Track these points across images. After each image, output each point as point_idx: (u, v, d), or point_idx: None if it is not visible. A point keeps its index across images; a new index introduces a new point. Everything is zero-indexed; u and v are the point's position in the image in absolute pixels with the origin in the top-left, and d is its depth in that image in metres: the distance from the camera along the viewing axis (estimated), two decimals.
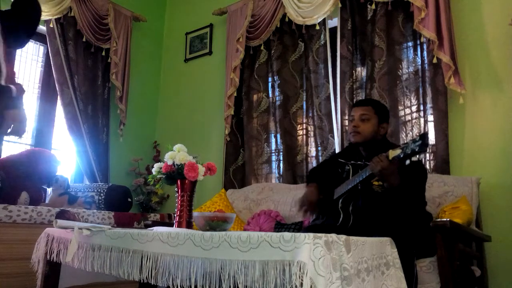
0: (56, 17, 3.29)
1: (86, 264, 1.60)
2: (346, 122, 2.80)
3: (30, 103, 3.39)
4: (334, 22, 3.03)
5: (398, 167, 1.69)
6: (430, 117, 2.52)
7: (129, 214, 3.14)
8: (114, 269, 1.49)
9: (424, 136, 1.54)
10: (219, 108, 3.57)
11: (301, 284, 0.99)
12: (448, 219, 1.60)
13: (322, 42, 3.07)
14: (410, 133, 2.60)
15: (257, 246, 1.09)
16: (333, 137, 2.88)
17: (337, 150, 2.79)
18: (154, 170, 1.89)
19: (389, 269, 1.32)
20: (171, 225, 2.26)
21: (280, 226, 2.53)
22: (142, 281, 1.38)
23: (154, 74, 4.23)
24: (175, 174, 1.83)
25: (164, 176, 1.86)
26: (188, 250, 1.25)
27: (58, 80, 3.34)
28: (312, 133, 3.09)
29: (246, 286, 1.09)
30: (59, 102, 3.40)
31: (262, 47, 3.38)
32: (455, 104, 2.44)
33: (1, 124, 1.59)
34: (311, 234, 1.02)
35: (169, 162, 1.83)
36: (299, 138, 3.18)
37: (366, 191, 1.86)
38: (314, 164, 3.02)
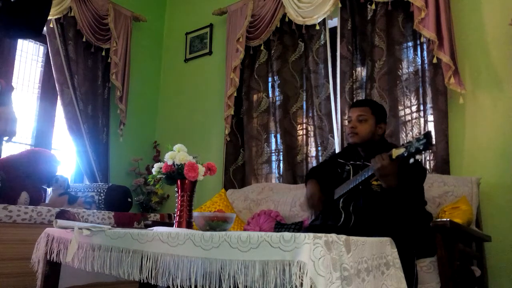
0: (56, 17, 3.29)
1: (86, 264, 1.60)
2: (346, 122, 2.80)
3: (30, 103, 3.39)
4: (334, 22, 3.03)
5: (398, 167, 1.69)
6: (430, 117, 2.52)
7: (129, 214, 3.14)
8: (114, 269, 1.49)
9: (428, 135, 1.54)
10: (219, 108, 3.57)
11: (301, 284, 0.99)
12: (448, 219, 1.60)
13: (322, 42, 3.07)
14: (410, 133, 2.60)
15: (257, 246, 1.09)
16: (333, 137, 2.88)
17: (337, 150, 2.79)
18: (154, 170, 1.89)
19: (389, 269, 1.32)
20: (171, 225, 2.26)
21: (280, 226, 2.53)
22: (142, 281, 1.38)
23: (154, 74, 4.24)
24: (175, 174, 1.83)
25: (164, 176, 1.86)
26: (188, 250, 1.25)
27: (58, 80, 3.34)
28: (312, 133, 3.09)
29: (246, 286, 1.09)
30: (59, 102, 3.40)
31: (262, 47, 3.38)
32: (455, 104, 2.44)
33: None
34: (311, 234, 1.02)
35: (169, 162, 1.83)
36: (299, 138, 3.18)
37: (367, 191, 1.87)
38: (314, 164, 3.02)
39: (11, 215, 2.38)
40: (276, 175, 3.24)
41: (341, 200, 1.92)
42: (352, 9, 2.90)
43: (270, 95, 3.34)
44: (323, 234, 1.05)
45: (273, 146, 3.29)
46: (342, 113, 2.82)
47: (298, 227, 2.45)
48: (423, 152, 1.58)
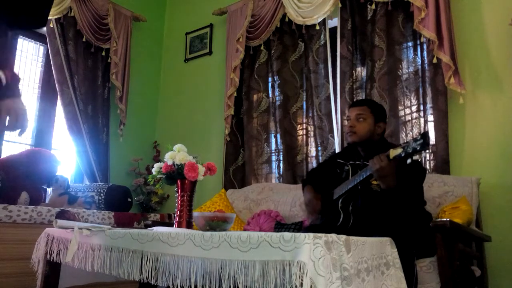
0: (56, 17, 3.29)
1: (86, 264, 1.60)
2: (346, 122, 2.80)
3: (30, 103, 3.39)
4: (334, 22, 3.03)
5: (396, 167, 1.69)
6: (430, 117, 2.52)
7: (129, 214, 3.14)
8: (114, 269, 1.49)
9: (425, 135, 1.54)
10: (219, 108, 3.57)
11: (301, 284, 0.99)
12: (448, 219, 1.60)
13: (322, 42, 3.07)
14: (410, 133, 2.60)
15: (257, 246, 1.09)
16: (333, 137, 2.88)
17: (337, 150, 2.79)
18: (154, 170, 1.89)
19: (389, 269, 1.32)
20: (171, 225, 2.26)
21: (280, 226, 2.53)
22: (142, 281, 1.38)
23: (154, 74, 4.24)
24: (175, 174, 1.83)
25: (164, 176, 1.86)
26: (188, 250, 1.25)
27: (58, 80, 3.34)
28: (312, 133, 3.09)
29: (246, 286, 1.09)
30: (59, 102, 3.40)
31: (262, 47, 3.38)
32: (455, 104, 2.44)
33: None
34: (311, 234, 1.02)
35: (169, 162, 1.83)
36: (299, 138, 3.18)
37: (366, 191, 1.87)
38: (314, 164, 3.02)
39: (11, 215, 2.38)
40: (276, 175, 3.24)
41: (340, 200, 1.92)
42: (352, 9, 2.90)
43: (270, 95, 3.34)
44: (323, 234, 1.05)
45: (273, 146, 3.29)
46: (342, 113, 2.82)
47: (298, 227, 2.45)
48: (420, 152, 1.58)
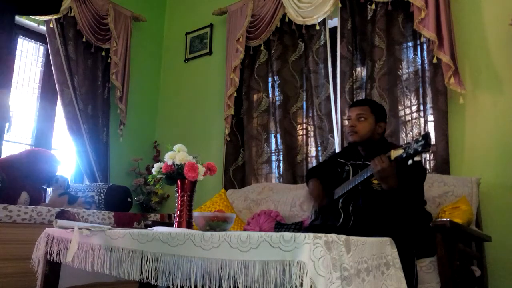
0: (56, 17, 3.29)
1: (86, 264, 1.60)
2: (346, 122, 2.80)
3: (30, 103, 3.39)
4: (334, 22, 3.03)
5: (397, 167, 1.70)
6: (430, 117, 2.52)
7: (129, 214, 3.14)
8: (114, 269, 1.49)
9: (426, 136, 1.54)
10: (219, 108, 3.57)
11: (301, 284, 0.99)
12: (448, 219, 1.60)
13: (322, 42, 3.07)
14: (410, 133, 2.60)
15: (257, 246, 1.09)
16: (333, 137, 2.88)
17: (337, 150, 2.79)
18: (154, 170, 1.89)
19: (389, 269, 1.32)
20: (171, 225, 2.26)
21: (280, 226, 2.53)
22: (142, 281, 1.38)
23: (154, 74, 4.24)
24: (175, 174, 1.83)
25: (164, 176, 1.86)
26: (188, 250, 1.25)
27: (58, 80, 3.34)
28: (312, 133, 3.09)
29: (246, 286, 1.09)
30: (59, 102, 3.40)
31: (262, 47, 3.38)
32: (455, 104, 2.44)
33: None
34: (311, 234, 1.02)
35: (169, 162, 1.83)
36: (299, 138, 3.18)
37: (366, 191, 1.87)
38: (314, 164, 3.02)
39: (11, 215, 2.38)
40: (276, 175, 3.24)
41: (341, 200, 1.92)
42: (352, 9, 2.90)
43: (270, 95, 3.34)
44: (323, 234, 1.05)
45: (273, 146, 3.29)
46: (342, 113, 2.82)
47: (298, 227, 2.45)
48: (421, 153, 1.58)
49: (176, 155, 1.82)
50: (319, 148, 3.00)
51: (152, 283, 1.34)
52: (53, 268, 1.85)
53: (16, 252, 2.33)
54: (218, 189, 3.28)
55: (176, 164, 1.81)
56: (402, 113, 2.65)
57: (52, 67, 3.34)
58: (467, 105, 2.43)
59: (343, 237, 1.11)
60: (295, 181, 3.07)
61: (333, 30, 3.06)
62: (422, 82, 2.60)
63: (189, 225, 1.82)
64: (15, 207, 2.42)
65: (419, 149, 1.55)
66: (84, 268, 1.61)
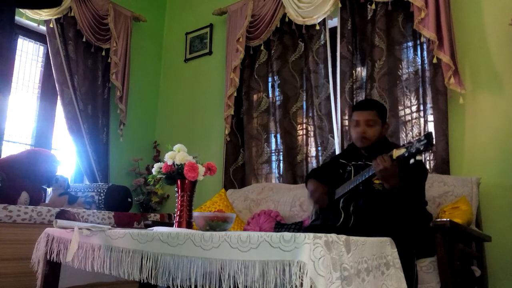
0: (56, 17, 3.29)
1: (86, 264, 1.60)
2: (346, 122, 2.81)
3: (30, 103, 3.39)
4: (334, 22, 3.03)
5: (399, 167, 1.70)
6: (430, 117, 2.52)
7: (129, 214, 3.14)
8: (114, 269, 1.49)
9: (429, 136, 1.54)
10: (219, 108, 3.57)
11: (301, 284, 0.99)
12: (448, 219, 1.60)
13: (322, 42, 3.07)
14: (410, 133, 2.60)
15: (257, 246, 1.09)
16: (333, 137, 2.88)
17: (337, 150, 2.79)
18: (154, 170, 1.89)
19: (389, 269, 1.32)
20: (171, 225, 2.26)
21: (280, 226, 2.53)
22: (142, 281, 1.38)
23: (154, 74, 4.24)
24: (175, 174, 1.83)
25: (164, 176, 1.86)
26: (188, 250, 1.25)
27: (58, 80, 3.34)
28: (312, 133, 3.09)
29: (246, 286, 1.09)
30: (59, 102, 3.40)
31: (262, 47, 3.38)
32: (455, 104, 2.44)
33: None
34: (311, 234, 1.02)
35: (169, 162, 1.83)
36: (299, 138, 3.18)
37: (367, 191, 1.87)
38: (314, 164, 3.02)
39: (11, 215, 2.38)
40: (276, 175, 3.24)
41: (342, 200, 1.92)
42: (352, 9, 2.90)
43: (270, 95, 3.34)
44: (323, 234, 1.05)
45: (273, 146, 3.29)
46: (342, 113, 2.82)
47: (298, 227, 2.45)
48: (423, 152, 1.58)
49: (176, 155, 1.82)
50: (319, 148, 3.00)
51: (152, 283, 1.34)
52: (53, 268, 1.85)
53: (16, 252, 2.33)
54: (218, 189, 3.28)
55: (176, 164, 1.81)
56: (402, 113, 2.65)
57: (52, 67, 3.34)
58: (467, 105, 2.43)
59: (343, 237, 1.11)
60: (295, 181, 3.07)
61: (333, 30, 3.05)
62: (422, 82, 2.60)
63: (189, 225, 1.82)
64: (15, 207, 2.42)
65: (421, 148, 1.55)
66: (84, 268, 1.61)
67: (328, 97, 2.97)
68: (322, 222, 1.99)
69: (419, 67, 2.63)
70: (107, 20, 3.63)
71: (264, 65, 3.39)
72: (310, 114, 3.12)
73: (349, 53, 2.85)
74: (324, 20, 3.03)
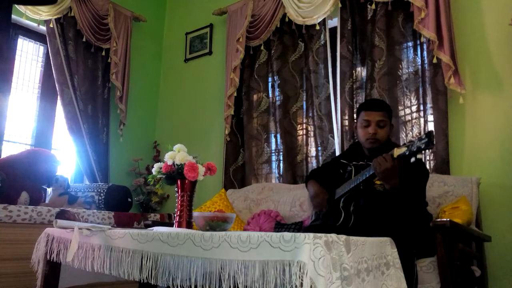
0: (56, 17, 3.29)
1: (86, 264, 1.60)
2: (346, 122, 2.80)
3: (30, 103, 3.39)
4: (334, 22, 3.03)
5: (400, 167, 1.69)
6: (430, 117, 2.52)
7: (129, 214, 3.14)
8: (114, 269, 1.49)
9: (430, 134, 1.54)
10: (219, 108, 3.57)
11: (301, 284, 0.99)
12: (448, 219, 1.60)
13: (322, 42, 3.07)
14: (410, 133, 2.60)
15: (257, 246, 1.09)
16: (333, 137, 2.88)
17: (337, 150, 2.79)
18: (154, 170, 1.89)
19: (389, 269, 1.32)
20: (171, 225, 2.26)
21: (280, 226, 2.53)
22: (142, 281, 1.38)
23: (154, 74, 4.24)
24: (175, 174, 1.83)
25: (164, 176, 1.86)
26: (188, 250, 1.25)
27: (58, 80, 3.34)
28: (312, 133, 3.09)
29: (246, 286, 1.09)
30: (59, 102, 3.40)
31: (262, 47, 3.38)
32: (455, 104, 2.44)
33: None
34: (311, 234, 1.02)
35: (169, 162, 1.83)
36: (299, 138, 3.18)
37: (368, 190, 1.86)
38: (314, 164, 3.02)
39: (11, 215, 2.38)
40: (276, 175, 3.24)
41: (342, 200, 1.92)
42: (352, 9, 2.90)
43: (270, 95, 3.34)
44: (323, 234, 1.05)
45: (273, 146, 3.29)
46: (342, 113, 2.82)
47: (298, 227, 2.45)
48: (424, 150, 1.58)
49: (176, 155, 1.82)
50: (319, 148, 3.00)
51: (152, 283, 1.34)
52: (53, 268, 1.85)
53: (16, 252, 2.33)
54: (218, 189, 3.28)
55: (176, 164, 1.81)
56: (402, 113, 2.65)
57: (52, 67, 3.34)
58: (467, 105, 2.43)
59: (343, 237, 1.11)
60: (295, 181, 3.07)
61: (333, 30, 3.05)
62: (422, 82, 2.60)
63: (189, 225, 1.82)
64: (15, 207, 2.42)
65: (422, 147, 1.55)
66: (84, 268, 1.61)
67: (328, 97, 2.97)
68: (322, 222, 1.99)
69: (419, 67, 2.63)
70: (107, 20, 3.63)
71: (264, 65, 3.39)
72: (310, 114, 3.12)
73: (349, 53, 2.85)
74: (324, 20, 3.03)
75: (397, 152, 1.66)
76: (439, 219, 1.66)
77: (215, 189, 3.33)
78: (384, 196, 1.80)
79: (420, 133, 2.56)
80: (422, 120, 2.57)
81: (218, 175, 3.37)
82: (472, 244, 2.04)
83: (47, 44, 3.34)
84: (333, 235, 1.08)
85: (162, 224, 2.72)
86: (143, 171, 3.78)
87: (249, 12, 3.38)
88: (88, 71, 3.59)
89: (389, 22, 2.73)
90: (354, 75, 2.85)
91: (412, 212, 1.76)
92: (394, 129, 2.61)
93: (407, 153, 1.61)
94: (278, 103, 3.27)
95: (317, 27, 3.05)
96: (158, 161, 3.43)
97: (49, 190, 2.99)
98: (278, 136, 3.22)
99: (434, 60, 2.44)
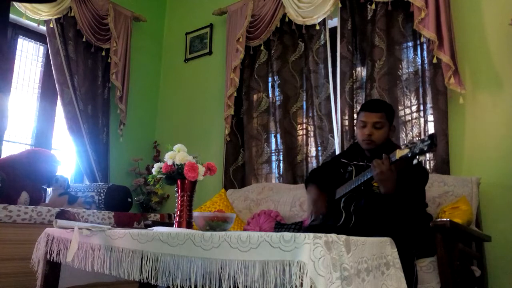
0: (56, 17, 3.29)
1: (86, 264, 1.60)
2: (346, 122, 2.80)
3: (30, 103, 3.39)
4: (334, 22, 3.03)
5: (399, 169, 1.69)
6: (430, 117, 2.52)
7: (129, 214, 3.14)
8: (114, 269, 1.49)
9: (432, 136, 1.54)
10: (219, 108, 3.57)
11: (301, 284, 0.99)
12: (448, 219, 1.60)
13: (322, 42, 3.07)
14: (410, 133, 2.60)
15: (257, 246, 1.09)
16: (333, 137, 2.88)
17: (337, 150, 2.79)
18: (154, 170, 1.89)
19: (389, 269, 1.32)
20: (171, 225, 2.26)
21: (280, 226, 2.53)
22: (142, 281, 1.38)
23: (154, 74, 4.24)
24: (175, 174, 1.83)
25: (164, 176, 1.86)
26: (188, 250, 1.25)
27: (58, 80, 3.34)
28: (312, 133, 3.09)
29: (246, 286, 1.09)
30: (59, 102, 3.40)
31: (262, 47, 3.38)
32: (455, 104, 2.44)
33: None
34: (311, 234, 1.02)
35: (169, 162, 1.83)
36: (299, 138, 3.18)
37: (369, 191, 1.86)
38: (314, 164, 3.02)
39: (11, 215, 2.38)
40: (276, 175, 3.24)
41: (342, 200, 1.92)
42: (352, 9, 2.90)
43: (270, 95, 3.34)
44: (323, 234, 1.05)
45: (273, 146, 3.29)
46: (342, 113, 2.82)
47: (298, 227, 2.45)
48: (426, 153, 1.57)
49: (176, 155, 1.82)
50: (319, 148, 3.00)
51: (152, 283, 1.34)
52: (53, 268, 1.85)
53: (16, 252, 2.33)
54: (218, 189, 3.28)
55: (176, 164, 1.81)
56: (402, 113, 2.65)
57: (52, 67, 3.34)
58: (467, 105, 2.43)
59: (343, 237, 1.11)
60: (295, 181, 3.07)
61: (333, 30, 3.05)
62: (422, 82, 2.60)
63: (189, 225, 1.82)
64: (15, 207, 2.42)
65: (425, 149, 1.54)
66: (84, 268, 1.61)
67: (328, 97, 2.97)
68: (322, 222, 1.99)
69: (419, 67, 2.63)
70: (107, 20, 3.63)
71: (264, 65, 3.39)
72: (310, 114, 3.12)
73: (349, 53, 2.85)
74: (324, 20, 3.03)
75: (399, 154, 1.64)
76: (439, 219, 1.66)
77: (215, 189, 3.33)
78: (381, 199, 1.80)
79: (420, 133, 2.56)
80: (422, 120, 2.57)
81: (218, 175, 3.37)
82: (472, 244, 2.04)
83: (47, 44, 3.34)
84: (333, 235, 1.08)
85: (162, 224, 2.73)
86: (143, 171, 3.78)
87: (249, 12, 3.38)
88: (88, 71, 3.59)
89: (389, 22, 2.73)
90: (354, 75, 2.85)
91: (408, 215, 1.75)
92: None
93: (409, 155, 1.60)
94: (278, 103, 3.27)
95: (317, 27, 3.05)
96: (158, 161, 3.43)
97: (49, 190, 2.99)
98: (278, 136, 3.22)
99: (434, 60, 2.44)
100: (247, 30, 3.38)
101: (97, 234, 1.61)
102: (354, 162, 2.00)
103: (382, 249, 1.34)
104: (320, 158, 2.98)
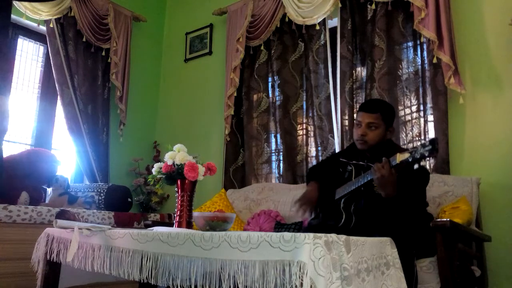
0: (56, 17, 3.29)
1: (86, 264, 1.60)
2: (346, 122, 2.80)
3: (30, 103, 3.39)
4: (334, 22, 3.03)
5: (400, 172, 1.68)
6: (430, 117, 2.52)
7: (129, 214, 3.14)
8: (114, 269, 1.49)
9: (434, 142, 1.52)
10: (219, 108, 3.57)
11: (301, 284, 0.99)
12: (448, 219, 1.60)
13: (322, 42, 3.07)
14: (410, 133, 2.60)
15: (257, 246, 1.09)
16: (333, 137, 2.88)
17: (337, 150, 2.79)
18: (154, 170, 1.89)
19: (389, 269, 1.32)
20: (171, 225, 2.26)
21: (280, 226, 2.53)
22: (142, 281, 1.38)
23: (154, 74, 4.24)
24: (175, 174, 1.83)
25: (164, 176, 1.86)
26: (188, 250, 1.25)
27: (58, 80, 3.34)
28: (312, 133, 3.09)
29: (246, 286, 1.09)
30: (59, 102, 3.40)
31: (262, 47, 3.38)
32: (455, 104, 2.44)
33: None
34: (311, 234, 1.02)
35: (169, 162, 1.83)
36: (299, 138, 3.18)
37: (369, 192, 1.86)
38: (314, 164, 3.02)
39: (11, 215, 2.38)
40: (276, 175, 3.24)
41: (342, 200, 1.91)
42: (352, 9, 2.90)
43: (270, 95, 3.34)
44: (323, 234, 1.05)
45: (273, 146, 3.29)
46: (342, 113, 2.82)
47: (298, 227, 2.45)
48: (427, 158, 1.56)
49: (176, 155, 1.83)
50: (319, 148, 3.00)
51: (152, 283, 1.34)
52: (53, 268, 1.85)
53: (16, 252, 2.33)
54: (218, 189, 3.28)
55: (176, 164, 1.81)
56: (402, 113, 2.65)
57: (52, 67, 3.34)
58: (467, 105, 2.43)
59: (343, 237, 1.11)
60: (295, 181, 3.07)
61: (333, 30, 3.05)
62: (422, 82, 2.60)
63: (189, 225, 1.82)
64: (15, 207, 2.42)
65: (426, 154, 1.53)
66: (84, 268, 1.62)
67: (328, 97, 2.97)
68: (322, 222, 1.98)
69: (419, 67, 2.63)
70: (107, 20, 3.63)
71: (264, 65, 3.39)
72: (310, 114, 3.12)
73: (349, 53, 2.85)
74: (324, 20, 3.03)
75: (400, 157, 1.63)
76: (439, 219, 1.66)
77: (215, 189, 3.33)
78: (381, 201, 1.79)
79: (420, 133, 2.56)
80: (422, 120, 2.57)
81: (218, 175, 3.37)
82: (472, 244, 2.04)
83: (47, 44, 3.34)
84: (333, 235, 1.08)
85: (162, 224, 2.73)
86: (143, 171, 3.78)
87: (249, 12, 3.38)
88: (88, 71, 3.59)
89: (389, 22, 2.73)
90: (354, 75, 2.85)
91: (408, 216, 1.74)
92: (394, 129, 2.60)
93: (410, 160, 1.59)
94: (278, 103, 3.27)
95: (317, 27, 3.05)
96: (158, 161, 3.43)
97: (49, 190, 2.99)
98: (278, 136, 3.22)
99: (434, 60, 2.44)
100: (247, 30, 3.38)
101: (97, 234, 1.61)
102: (354, 162, 2.00)
103: (382, 249, 1.34)
104: (320, 158, 2.98)
